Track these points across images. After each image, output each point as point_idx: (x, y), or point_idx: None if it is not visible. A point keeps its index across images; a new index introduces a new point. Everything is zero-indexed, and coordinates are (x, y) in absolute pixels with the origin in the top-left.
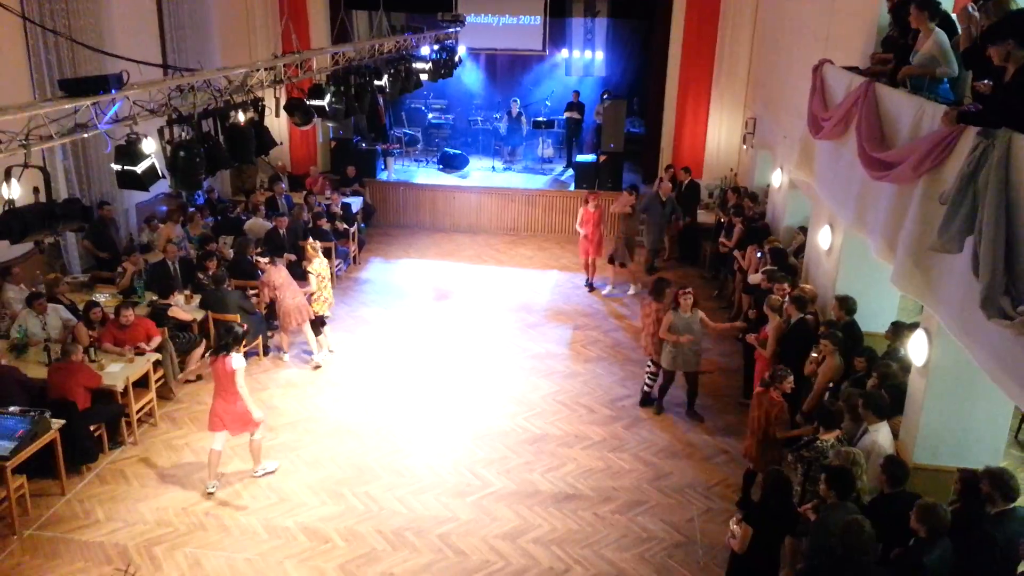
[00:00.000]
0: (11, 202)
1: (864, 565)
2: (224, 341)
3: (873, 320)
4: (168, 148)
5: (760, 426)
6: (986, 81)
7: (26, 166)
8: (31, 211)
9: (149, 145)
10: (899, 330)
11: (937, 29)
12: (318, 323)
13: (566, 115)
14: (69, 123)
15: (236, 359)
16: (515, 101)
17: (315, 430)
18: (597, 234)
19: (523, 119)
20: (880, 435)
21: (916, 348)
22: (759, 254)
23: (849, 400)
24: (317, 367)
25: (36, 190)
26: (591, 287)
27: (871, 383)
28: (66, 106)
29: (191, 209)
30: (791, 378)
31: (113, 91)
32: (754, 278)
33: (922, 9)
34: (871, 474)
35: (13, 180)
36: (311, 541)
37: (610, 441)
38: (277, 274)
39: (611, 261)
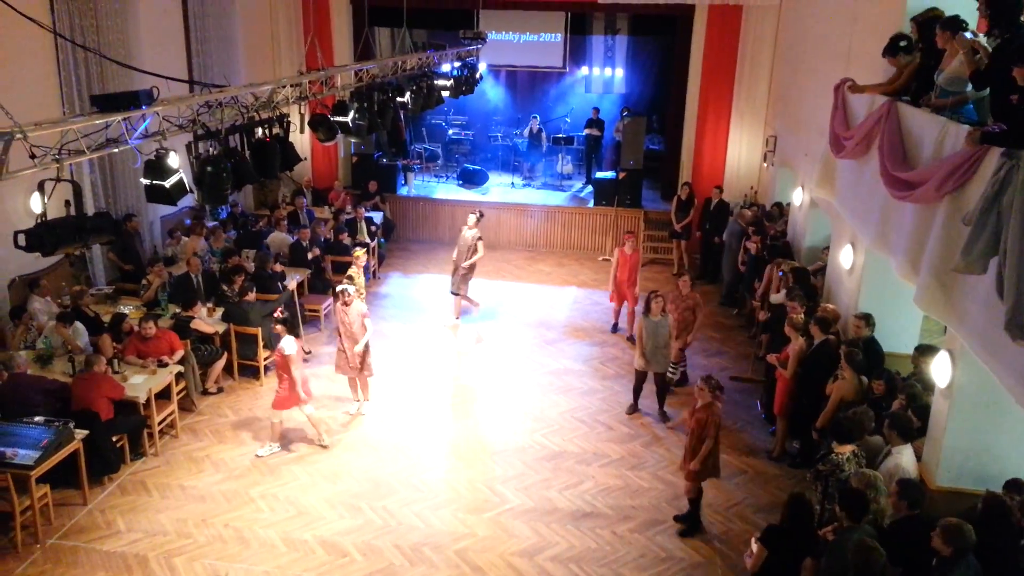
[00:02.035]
0: (43, 215)
1: None
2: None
3: (895, 340)
4: (196, 163)
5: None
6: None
7: (58, 180)
8: (63, 224)
9: (176, 160)
10: (923, 352)
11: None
12: None
13: (586, 132)
14: (100, 138)
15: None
16: (535, 118)
17: (333, 442)
18: (633, 280)
19: (543, 136)
20: (903, 457)
21: (939, 369)
22: (780, 273)
23: (858, 417)
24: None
25: (68, 203)
26: (615, 329)
27: (896, 404)
28: (98, 121)
29: (212, 223)
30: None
31: (144, 107)
32: (776, 297)
33: (946, 29)
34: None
35: (45, 193)
36: (329, 555)
37: (628, 459)
38: (343, 314)
39: (454, 294)
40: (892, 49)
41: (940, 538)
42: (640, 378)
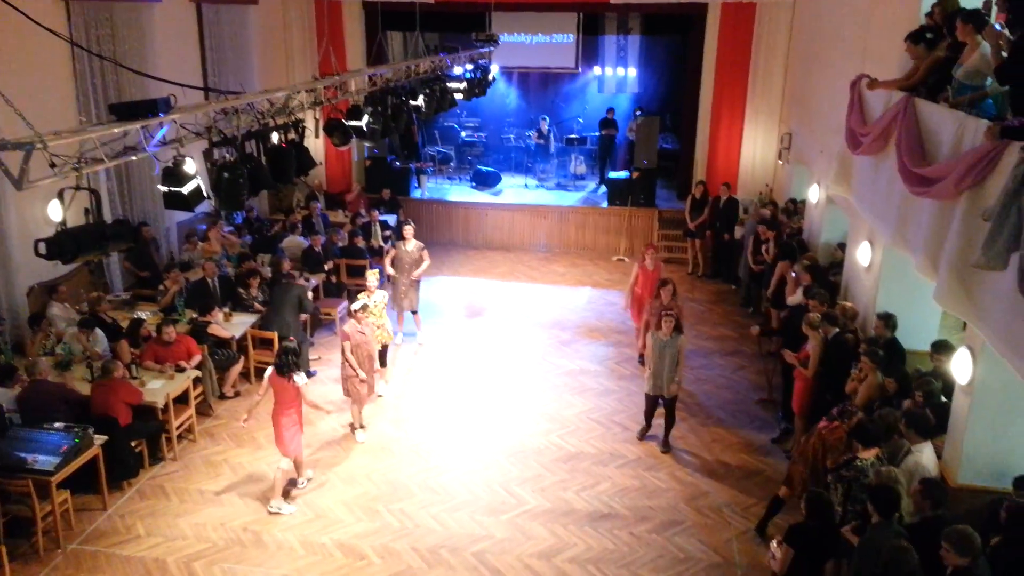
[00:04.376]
0: (63, 223)
1: None
2: (287, 360)
3: (914, 337)
4: (212, 169)
5: (817, 456)
6: None
7: (78, 188)
8: (83, 232)
9: (192, 166)
10: (939, 349)
11: (984, 43)
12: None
13: (601, 132)
14: (118, 146)
15: (300, 377)
16: (544, 120)
17: (350, 447)
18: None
19: (551, 137)
20: (923, 456)
21: (960, 367)
22: (793, 273)
23: (885, 420)
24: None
25: (87, 211)
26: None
27: (908, 404)
28: (116, 130)
29: (228, 228)
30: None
31: (162, 114)
32: (792, 298)
33: (968, 22)
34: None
35: (65, 202)
36: (347, 558)
37: (645, 460)
38: (351, 328)
39: (414, 312)
40: (917, 36)
41: (954, 550)
42: (651, 402)
